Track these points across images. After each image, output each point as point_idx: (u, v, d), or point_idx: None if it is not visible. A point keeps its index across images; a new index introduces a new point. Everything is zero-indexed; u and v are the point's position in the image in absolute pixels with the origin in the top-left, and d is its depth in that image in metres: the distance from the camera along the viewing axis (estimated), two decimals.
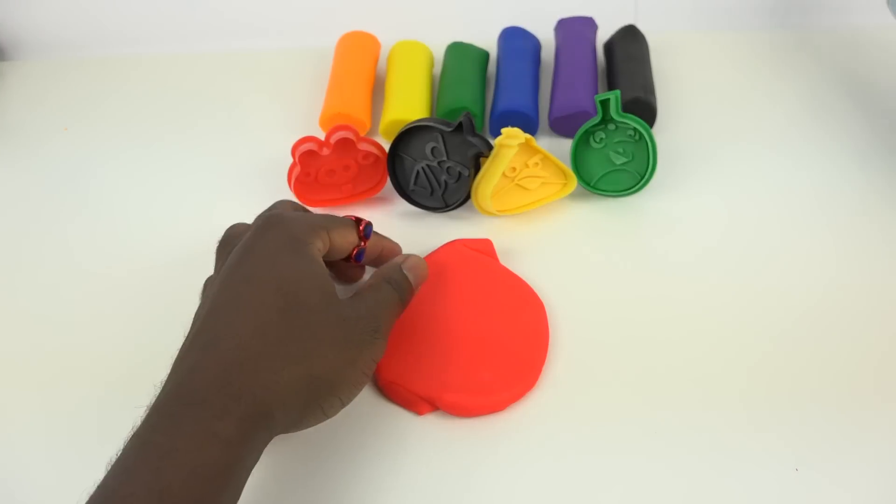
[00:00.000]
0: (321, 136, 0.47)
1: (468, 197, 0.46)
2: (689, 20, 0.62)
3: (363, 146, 0.47)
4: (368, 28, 0.59)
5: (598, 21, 0.57)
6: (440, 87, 0.54)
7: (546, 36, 0.57)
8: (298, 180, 0.47)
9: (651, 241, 0.46)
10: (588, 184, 0.47)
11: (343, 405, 0.34)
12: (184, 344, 0.33)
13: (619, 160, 0.47)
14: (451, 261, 0.43)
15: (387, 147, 0.46)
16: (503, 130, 0.43)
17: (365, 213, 0.40)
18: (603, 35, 0.57)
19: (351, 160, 0.47)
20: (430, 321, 0.40)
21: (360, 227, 0.39)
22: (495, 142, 0.43)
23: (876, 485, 0.35)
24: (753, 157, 0.50)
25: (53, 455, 0.38)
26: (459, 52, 0.56)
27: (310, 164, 0.46)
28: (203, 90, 0.59)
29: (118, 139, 0.55)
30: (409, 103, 0.52)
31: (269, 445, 0.32)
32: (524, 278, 0.43)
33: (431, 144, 0.45)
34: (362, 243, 0.39)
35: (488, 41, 0.57)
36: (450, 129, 0.44)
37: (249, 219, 0.40)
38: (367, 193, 0.48)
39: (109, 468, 0.28)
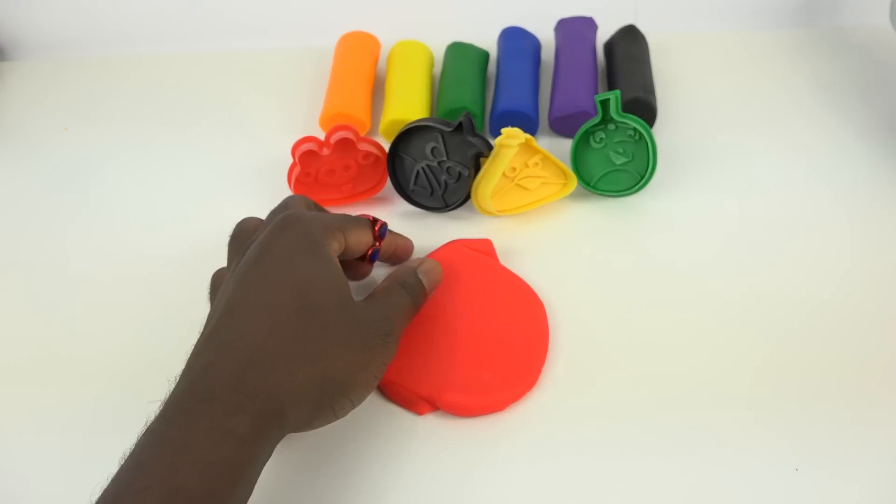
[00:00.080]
0: (321, 136, 0.47)
1: (468, 197, 0.46)
2: (689, 20, 0.62)
3: (363, 146, 0.47)
4: (368, 28, 0.59)
5: (598, 21, 0.57)
6: (440, 87, 0.54)
7: (546, 36, 0.57)
8: (298, 180, 0.47)
9: (651, 241, 0.46)
10: (588, 184, 0.47)
11: (353, 406, 0.34)
12: (198, 341, 0.33)
13: (619, 160, 0.47)
14: (451, 261, 0.43)
15: (387, 147, 0.46)
16: (503, 130, 0.43)
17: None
18: (603, 35, 0.57)
19: (351, 160, 0.47)
20: (430, 321, 0.40)
21: (376, 228, 0.39)
22: (495, 142, 0.43)
23: (876, 485, 0.35)
24: (753, 156, 0.50)
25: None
26: (459, 52, 0.56)
27: (310, 164, 0.46)
28: (203, 90, 0.59)
29: (118, 139, 0.55)
30: (409, 103, 0.52)
31: None
32: (524, 278, 0.43)
33: (431, 144, 0.45)
34: (377, 244, 0.40)
35: (488, 41, 0.57)
36: (450, 129, 0.44)
37: None
38: (367, 193, 0.48)
39: (123, 462, 0.29)
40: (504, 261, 0.44)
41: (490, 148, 0.44)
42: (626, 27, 0.56)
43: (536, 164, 0.45)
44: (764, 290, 0.42)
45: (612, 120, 0.45)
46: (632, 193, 0.47)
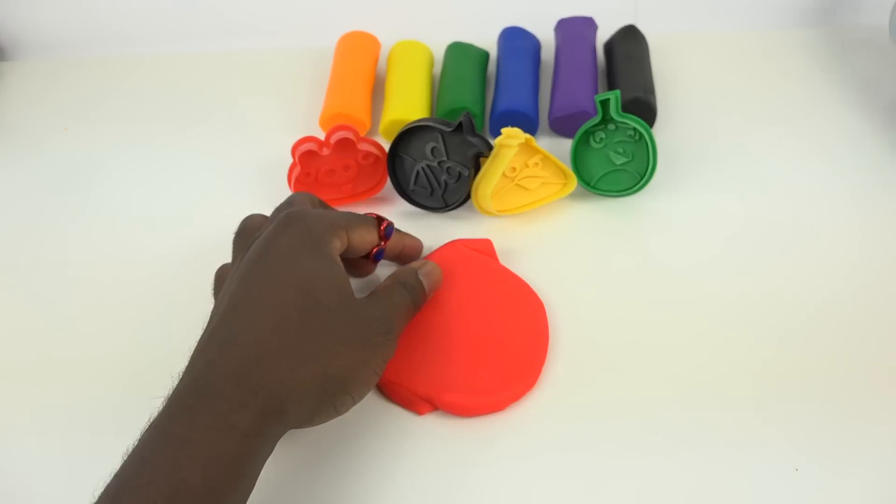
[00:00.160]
0: (321, 136, 0.47)
1: (468, 197, 0.46)
2: (689, 20, 0.62)
3: (363, 146, 0.47)
4: (368, 28, 0.59)
5: (598, 21, 0.57)
6: (440, 87, 0.54)
7: (546, 36, 0.57)
8: (298, 180, 0.47)
9: (651, 241, 0.46)
10: (588, 184, 0.47)
11: (354, 403, 0.34)
12: (202, 337, 0.33)
13: (619, 160, 0.47)
14: (451, 261, 0.43)
15: (387, 147, 0.46)
16: (503, 130, 0.43)
17: (373, 212, 0.40)
18: (603, 35, 0.57)
19: (351, 160, 0.47)
20: (430, 321, 0.40)
21: (382, 227, 0.40)
22: (495, 142, 0.43)
23: (876, 485, 0.35)
24: (753, 157, 0.50)
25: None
26: (459, 52, 0.56)
27: (310, 164, 0.46)
28: (203, 90, 0.59)
29: (118, 139, 0.55)
30: (409, 103, 0.52)
31: None
32: (524, 278, 0.43)
33: (431, 144, 0.45)
34: (382, 243, 0.40)
35: (488, 41, 0.57)
36: (450, 129, 0.44)
37: None
38: (367, 193, 0.48)
39: (126, 458, 0.29)
40: (504, 261, 0.44)
41: (490, 148, 0.44)
42: (626, 27, 0.56)
43: (536, 164, 0.45)
44: (763, 289, 0.42)
45: (612, 120, 0.45)
46: (632, 193, 0.47)
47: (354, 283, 0.40)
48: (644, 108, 0.50)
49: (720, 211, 0.47)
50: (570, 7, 0.58)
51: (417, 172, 0.46)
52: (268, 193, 0.47)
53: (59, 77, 0.61)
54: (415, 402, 0.38)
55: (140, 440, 0.29)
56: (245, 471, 0.29)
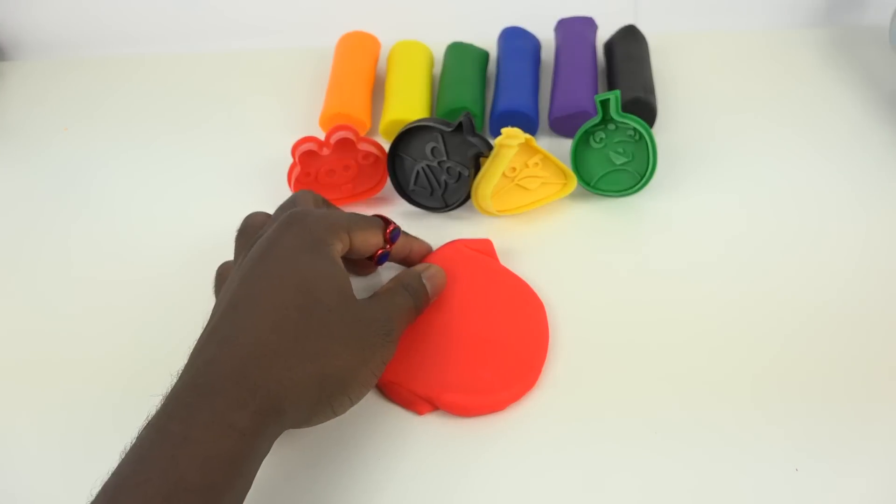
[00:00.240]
0: (321, 136, 0.47)
1: (468, 197, 0.46)
2: (689, 20, 0.62)
3: (363, 146, 0.47)
4: (368, 28, 0.59)
5: (598, 21, 0.57)
6: (440, 87, 0.54)
7: (546, 36, 0.57)
8: (298, 180, 0.47)
9: (651, 241, 0.46)
10: (588, 184, 0.47)
11: (352, 404, 0.34)
12: (201, 336, 0.33)
13: (619, 160, 0.47)
14: (451, 261, 0.43)
15: (387, 147, 0.46)
16: (503, 130, 0.43)
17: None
18: (603, 35, 0.57)
19: (351, 160, 0.47)
20: (430, 321, 0.40)
21: (388, 231, 0.39)
22: (495, 142, 0.43)
23: (876, 485, 0.35)
24: (753, 157, 0.50)
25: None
26: (459, 52, 0.56)
27: (310, 164, 0.46)
28: (203, 90, 0.59)
29: (118, 139, 0.55)
30: (409, 103, 0.52)
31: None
32: (524, 278, 0.43)
33: (431, 144, 0.45)
34: (387, 247, 0.40)
35: (488, 41, 0.57)
36: (450, 129, 0.44)
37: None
38: (367, 193, 0.48)
39: (124, 455, 0.29)
40: (504, 261, 0.44)
41: (490, 148, 0.44)
42: (626, 27, 0.56)
43: (536, 164, 0.45)
44: (764, 289, 0.42)
45: (612, 120, 0.45)
46: (632, 193, 0.47)
47: (357, 283, 0.40)
48: (644, 108, 0.50)
49: (720, 211, 0.47)
50: (570, 7, 0.58)
51: (417, 172, 0.46)
52: (268, 193, 0.47)
53: (59, 77, 0.61)
54: (415, 402, 0.38)
55: (138, 438, 0.29)
56: (243, 469, 0.29)
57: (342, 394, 0.33)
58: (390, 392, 0.39)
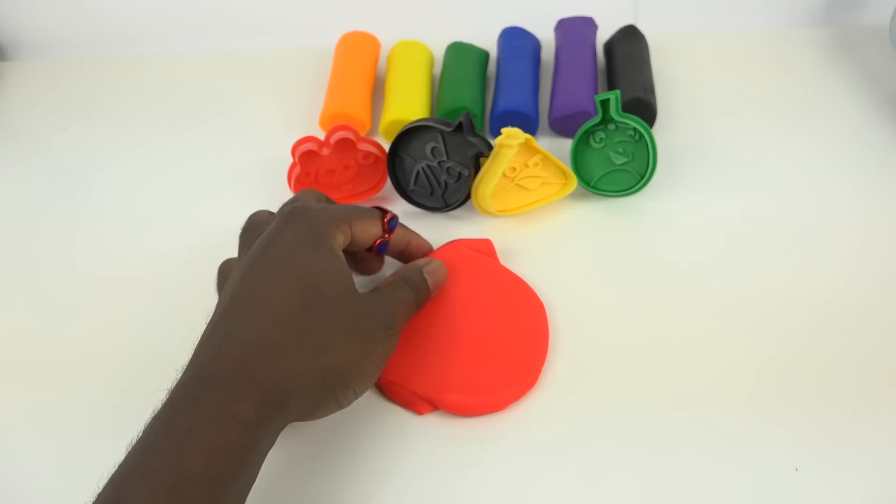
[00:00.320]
0: (321, 136, 0.47)
1: (468, 197, 0.46)
2: (689, 20, 0.62)
3: (363, 146, 0.47)
4: (368, 28, 0.59)
5: (598, 21, 0.57)
6: (440, 87, 0.54)
7: (546, 36, 0.57)
8: (298, 180, 0.47)
9: (651, 241, 0.46)
10: (588, 184, 0.47)
11: (356, 396, 0.35)
12: (205, 331, 0.33)
13: (619, 160, 0.47)
14: (451, 261, 0.43)
15: (387, 147, 0.46)
16: (503, 130, 0.43)
17: (379, 205, 0.41)
18: (603, 35, 0.57)
19: (351, 160, 0.47)
20: (430, 321, 0.40)
21: (385, 220, 0.40)
22: (495, 142, 0.43)
23: (876, 484, 0.35)
24: (753, 157, 0.50)
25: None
26: (459, 52, 0.56)
27: (310, 164, 0.46)
28: (203, 90, 0.59)
29: (118, 139, 0.55)
30: (409, 103, 0.52)
31: None
32: (524, 278, 0.43)
33: (431, 144, 0.45)
34: (386, 236, 0.40)
35: (488, 41, 0.57)
36: (450, 129, 0.44)
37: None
38: (367, 193, 0.48)
39: (130, 448, 0.29)
40: (504, 261, 0.44)
41: (490, 148, 0.44)
42: (626, 27, 0.56)
43: (536, 164, 0.45)
44: (764, 288, 0.42)
45: (612, 120, 0.45)
46: (632, 193, 0.47)
47: (359, 280, 0.40)
48: (644, 108, 0.50)
49: (720, 211, 0.47)
50: (570, 7, 0.58)
51: (417, 172, 0.46)
52: (268, 193, 0.47)
53: (59, 77, 0.61)
54: (415, 402, 0.38)
55: (144, 430, 0.30)
56: (247, 461, 0.30)
57: (346, 386, 0.34)
58: (390, 392, 0.39)
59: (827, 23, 0.62)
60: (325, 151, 0.46)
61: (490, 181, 0.44)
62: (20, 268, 0.47)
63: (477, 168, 0.45)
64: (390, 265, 0.44)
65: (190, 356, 0.32)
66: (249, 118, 0.56)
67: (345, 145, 0.46)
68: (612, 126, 0.46)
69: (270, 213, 0.40)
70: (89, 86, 0.60)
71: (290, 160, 0.47)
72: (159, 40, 0.64)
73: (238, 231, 0.40)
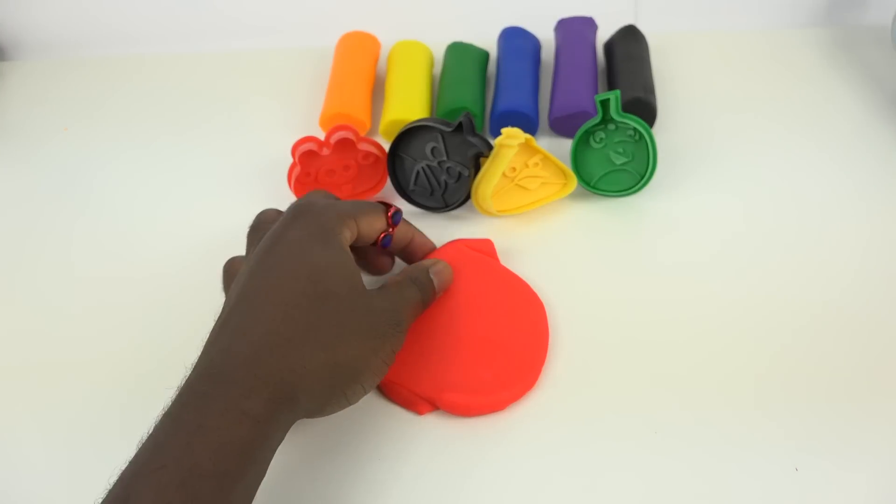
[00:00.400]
0: (321, 136, 0.47)
1: (468, 197, 0.46)
2: (689, 20, 0.62)
3: (363, 146, 0.47)
4: (368, 28, 0.59)
5: (598, 21, 0.57)
6: (440, 87, 0.54)
7: (546, 36, 0.57)
8: (298, 180, 0.47)
9: (651, 241, 0.46)
10: (588, 184, 0.47)
11: (365, 392, 0.35)
12: (213, 328, 0.34)
13: (619, 160, 0.47)
14: (451, 260, 0.43)
15: (387, 147, 0.46)
16: (503, 130, 0.43)
17: (382, 199, 0.41)
18: (603, 35, 0.57)
19: (351, 160, 0.47)
20: (430, 321, 0.40)
21: (389, 214, 0.40)
22: (495, 142, 0.43)
23: (876, 484, 0.35)
24: (753, 157, 0.50)
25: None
26: (459, 52, 0.56)
27: (310, 164, 0.46)
28: (203, 90, 0.59)
29: (118, 139, 0.55)
30: (409, 103, 0.52)
31: None
32: (524, 278, 0.43)
33: (431, 144, 0.45)
34: (390, 229, 0.40)
35: (488, 41, 0.57)
36: (450, 129, 0.44)
37: (249, 218, 0.40)
38: (367, 193, 0.48)
39: (141, 445, 0.29)
40: (504, 261, 0.44)
41: (490, 148, 0.44)
42: (626, 27, 0.56)
43: (536, 164, 0.45)
44: (764, 288, 0.42)
45: (612, 120, 0.45)
46: (632, 193, 0.47)
47: (365, 279, 0.40)
48: (644, 108, 0.50)
49: (720, 211, 0.47)
50: (570, 7, 0.58)
51: (417, 172, 0.46)
52: (268, 193, 0.47)
53: (59, 77, 0.61)
54: (415, 402, 0.38)
55: (154, 427, 0.30)
56: (256, 456, 0.30)
57: (355, 382, 0.34)
58: (390, 392, 0.39)
59: (827, 23, 0.62)
60: (325, 151, 0.46)
61: (490, 181, 0.44)
62: (20, 268, 0.47)
63: (477, 168, 0.45)
64: (397, 266, 0.44)
65: (197, 354, 0.33)
66: (249, 118, 0.56)
67: (345, 145, 0.46)
68: (612, 126, 0.46)
69: (278, 212, 0.40)
70: (89, 86, 0.60)
71: (290, 160, 0.47)
72: (159, 40, 0.64)
73: (239, 230, 0.40)
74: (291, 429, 0.33)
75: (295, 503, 0.35)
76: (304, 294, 0.33)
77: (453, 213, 0.47)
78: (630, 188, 0.47)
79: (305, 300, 0.33)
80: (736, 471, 0.35)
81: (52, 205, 0.51)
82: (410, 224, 0.42)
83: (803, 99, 0.54)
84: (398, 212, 0.40)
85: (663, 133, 0.51)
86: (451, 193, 0.47)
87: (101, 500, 0.28)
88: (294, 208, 0.37)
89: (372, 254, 0.42)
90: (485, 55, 0.57)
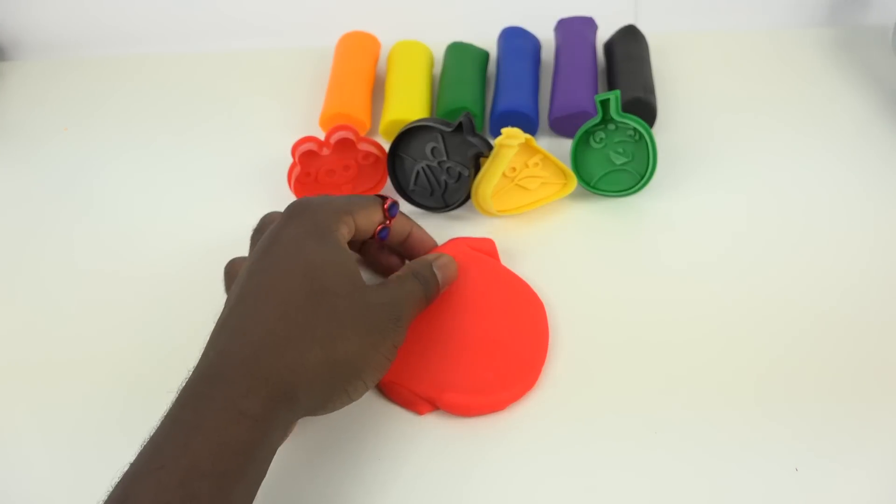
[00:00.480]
0: (321, 136, 0.47)
1: (468, 197, 0.46)
2: (689, 20, 0.62)
3: (363, 146, 0.47)
4: (368, 28, 0.59)
5: (598, 21, 0.57)
6: (440, 87, 0.54)
7: (546, 36, 0.57)
8: (298, 180, 0.47)
9: (651, 241, 0.46)
10: (588, 184, 0.47)
11: (367, 388, 0.34)
12: (213, 330, 0.34)
13: (619, 160, 0.47)
14: None
15: (387, 147, 0.46)
16: (503, 130, 0.43)
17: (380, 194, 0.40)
18: (603, 35, 0.57)
19: (351, 160, 0.47)
20: (431, 320, 0.40)
21: (385, 206, 0.40)
22: (495, 142, 0.43)
23: (876, 484, 0.35)
24: (754, 157, 0.50)
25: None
26: (459, 52, 0.56)
27: (310, 164, 0.46)
28: (203, 90, 0.59)
29: (118, 139, 0.55)
30: (409, 103, 0.52)
31: None
32: (525, 278, 0.43)
33: (431, 144, 0.45)
34: (387, 222, 0.40)
35: (488, 41, 0.57)
36: (450, 129, 0.44)
37: (249, 218, 0.40)
38: (366, 194, 0.48)
39: (143, 446, 0.29)
40: (504, 261, 0.44)
41: (490, 148, 0.44)
42: (626, 27, 0.56)
43: (536, 164, 0.45)
44: (764, 289, 0.42)
45: (612, 120, 0.45)
46: (632, 193, 0.47)
47: (368, 276, 0.40)
48: (644, 108, 0.50)
49: (720, 211, 0.47)
50: (570, 7, 0.58)
51: (417, 172, 0.46)
52: (268, 193, 0.47)
53: (59, 77, 0.61)
54: (415, 402, 0.38)
55: (155, 429, 0.30)
56: (256, 456, 0.30)
57: (356, 378, 0.34)
58: (390, 392, 0.39)
59: (829, 23, 0.62)
60: (325, 151, 0.46)
61: (490, 181, 0.44)
62: (21, 268, 0.47)
63: (477, 168, 0.45)
64: None
65: (198, 355, 0.33)
66: (249, 118, 0.56)
67: (345, 145, 0.46)
68: (612, 126, 0.46)
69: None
70: (89, 86, 0.60)
71: (290, 160, 0.47)
72: (159, 40, 0.64)
73: (239, 230, 0.40)
74: (307, 415, 0.33)
75: (295, 503, 0.35)
76: (301, 292, 0.33)
77: (453, 213, 0.47)
78: (630, 188, 0.47)
79: (303, 298, 0.33)
80: (736, 471, 0.35)
81: (52, 205, 0.51)
82: (409, 218, 0.42)
83: (804, 99, 0.54)
84: (395, 204, 0.40)
85: (663, 133, 0.51)
86: (451, 193, 0.47)
87: (101, 502, 0.28)
88: (290, 208, 0.37)
89: (379, 253, 0.42)
90: (485, 55, 0.57)
